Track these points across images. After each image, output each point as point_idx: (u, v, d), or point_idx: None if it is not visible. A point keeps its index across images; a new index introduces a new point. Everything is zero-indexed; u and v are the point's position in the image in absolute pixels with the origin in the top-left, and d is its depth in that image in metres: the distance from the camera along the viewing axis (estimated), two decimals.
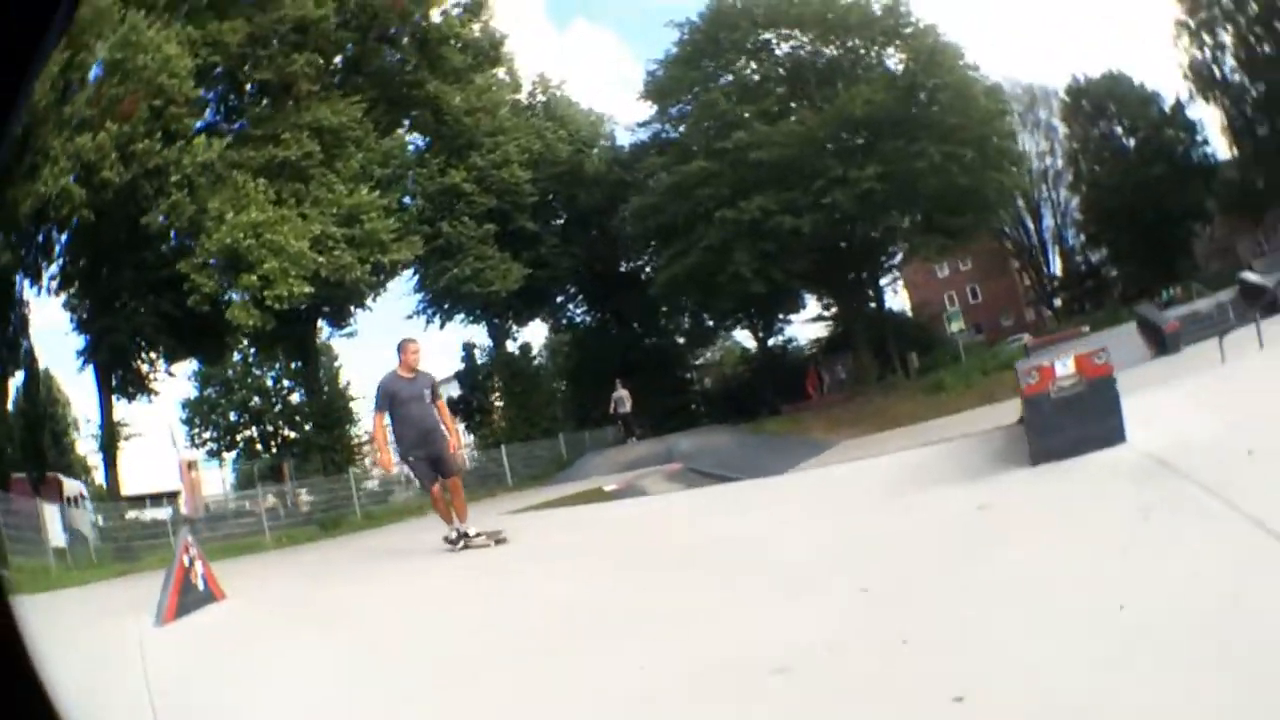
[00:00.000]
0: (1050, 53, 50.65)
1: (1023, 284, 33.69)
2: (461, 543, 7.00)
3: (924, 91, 18.91)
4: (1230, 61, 31.80)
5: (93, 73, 16.21)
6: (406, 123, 20.24)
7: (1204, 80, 31.78)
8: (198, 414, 20.47)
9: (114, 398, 18.34)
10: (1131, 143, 32.42)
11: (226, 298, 16.27)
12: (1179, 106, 32.20)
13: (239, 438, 21.01)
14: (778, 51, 21.22)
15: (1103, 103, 32.54)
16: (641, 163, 20.83)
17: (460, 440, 5.97)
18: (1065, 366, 4.73)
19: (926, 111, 18.91)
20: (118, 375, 18.29)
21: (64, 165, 15.15)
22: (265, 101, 18.16)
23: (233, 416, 20.95)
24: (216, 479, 20.93)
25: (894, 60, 20.42)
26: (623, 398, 19.22)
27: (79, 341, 17.79)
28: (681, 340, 25.42)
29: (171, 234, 17.05)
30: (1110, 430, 4.44)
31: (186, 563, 5.29)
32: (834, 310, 25.72)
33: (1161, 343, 16.85)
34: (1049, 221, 33.61)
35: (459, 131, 19.34)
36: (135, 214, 16.53)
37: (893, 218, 19.67)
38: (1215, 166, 31.81)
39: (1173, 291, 28.41)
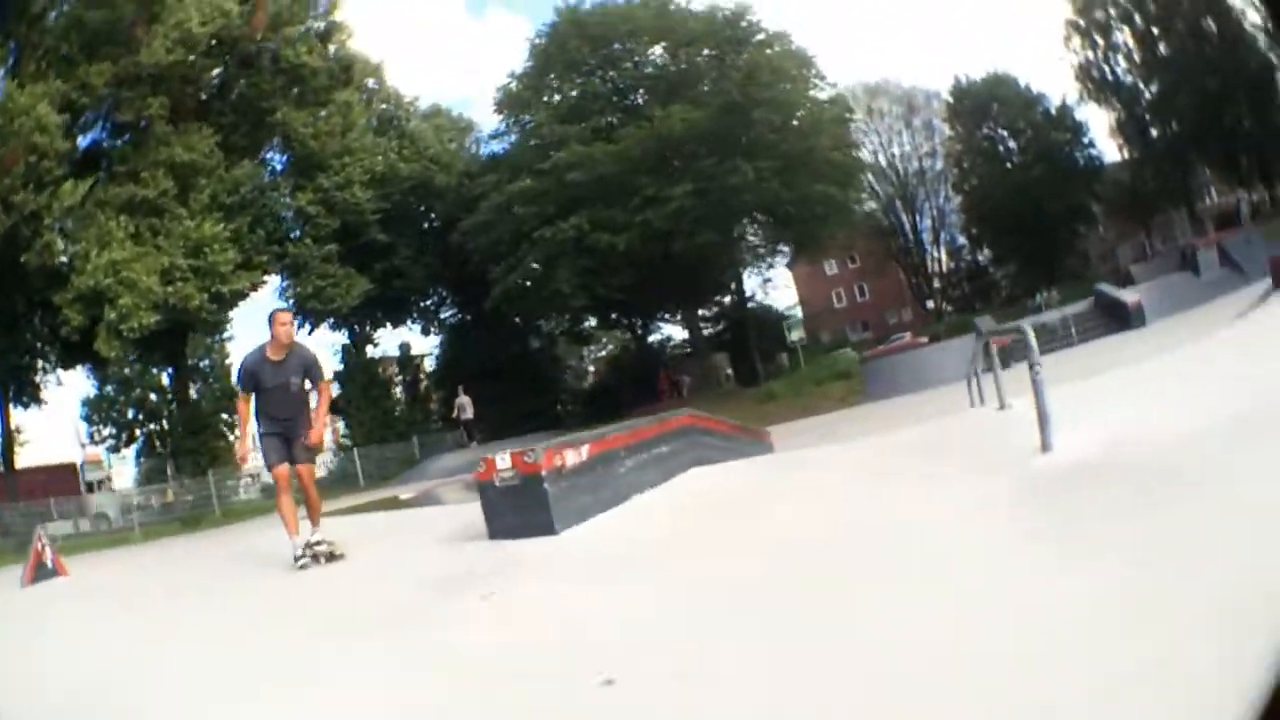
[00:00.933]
0: (936, 54, 50.84)
1: (908, 282, 35.01)
2: (305, 557, 5.84)
3: (744, 109, 20.43)
4: (1123, 63, 32.50)
5: None
6: (268, 147, 22.21)
7: (1094, 82, 32.77)
8: (97, 411, 23.24)
9: (11, 406, 21.16)
10: (1013, 144, 33.16)
11: (93, 326, 18.83)
12: (1065, 108, 33.60)
13: (137, 432, 23.75)
14: (615, 69, 22.60)
15: (986, 104, 33.42)
16: (482, 178, 22.80)
17: (321, 433, 5.94)
18: (504, 461, 5.32)
19: (743, 129, 20.43)
20: (14, 388, 21.11)
21: None
22: (127, 139, 20.37)
23: (130, 413, 23.74)
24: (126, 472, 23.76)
25: (734, 73, 21.57)
26: (464, 404, 21.64)
27: None
28: (556, 341, 27.47)
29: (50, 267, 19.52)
30: (543, 522, 4.99)
31: (40, 548, 8.22)
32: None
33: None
34: (927, 222, 34.50)
35: (307, 155, 21.50)
36: (14, 254, 19.06)
37: (708, 234, 21.29)
38: (1100, 169, 32.81)
39: (1045, 295, 29.58)
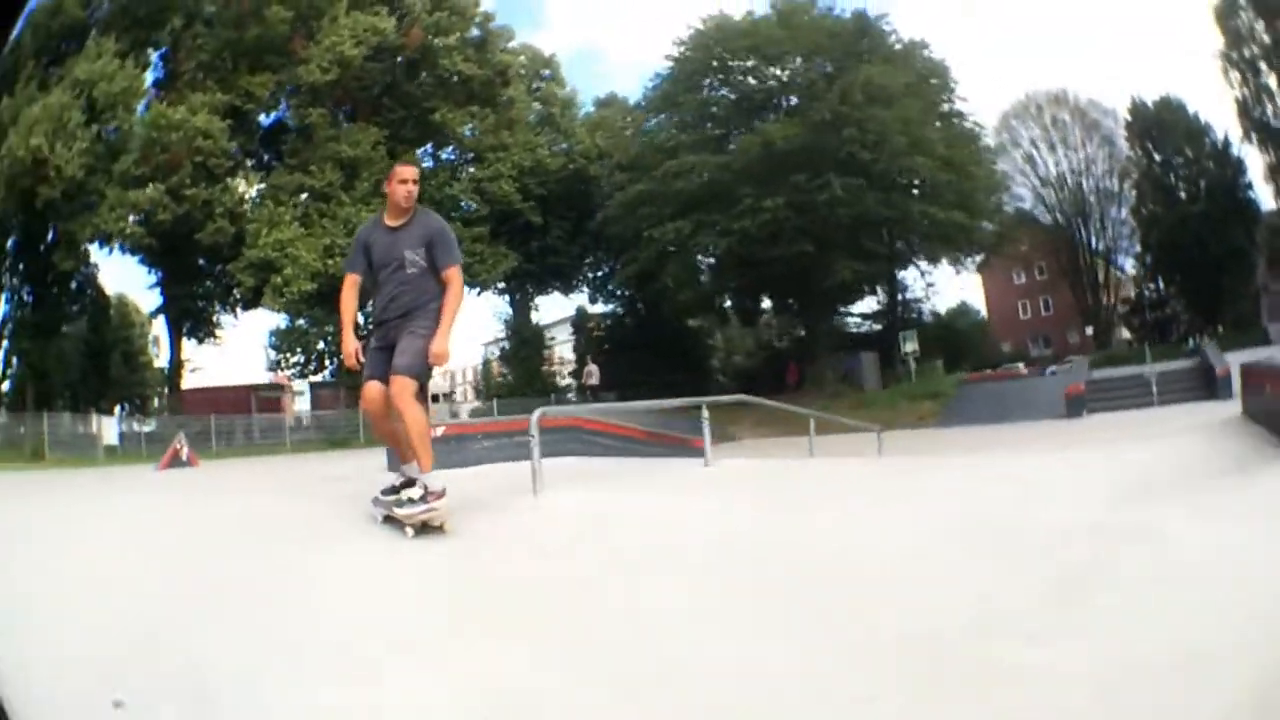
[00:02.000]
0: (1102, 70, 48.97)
1: (1078, 304, 34.86)
2: (392, 504, 4.57)
3: (834, 127, 22.55)
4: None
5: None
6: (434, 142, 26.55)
7: (1251, 121, 31.67)
8: (286, 341, 27.93)
9: (184, 339, 26.58)
10: (1182, 174, 32.49)
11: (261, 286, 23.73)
12: (1227, 144, 32.39)
13: (326, 361, 28.38)
14: (733, 85, 25.28)
15: (1158, 127, 32.84)
16: (619, 175, 26.02)
17: (445, 340, 4.61)
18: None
19: (836, 146, 22.56)
20: (188, 326, 26.49)
21: (120, 212, 22.94)
22: (296, 136, 25.28)
23: (320, 345, 28.29)
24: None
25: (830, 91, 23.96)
26: (592, 371, 25.22)
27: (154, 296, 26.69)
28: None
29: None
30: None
31: (178, 446, 12.32)
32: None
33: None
34: (1103, 244, 34.27)
35: (465, 150, 25.68)
36: (188, 231, 24.26)
37: (803, 244, 23.50)
38: (1258, 213, 31.48)
39: (1200, 340, 29.27)
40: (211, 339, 27.50)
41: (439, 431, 6.80)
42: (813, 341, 26.75)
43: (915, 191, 24.38)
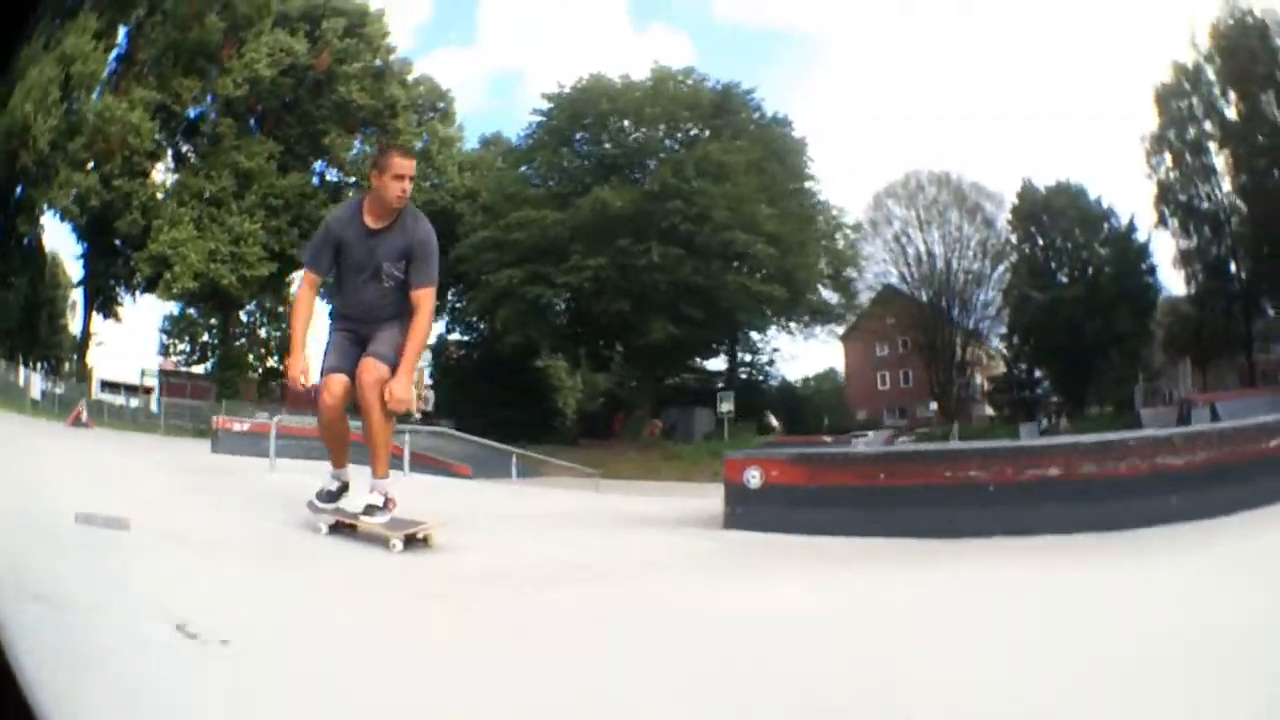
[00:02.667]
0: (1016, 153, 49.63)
1: (930, 378, 36.78)
2: (332, 512, 4.59)
3: (672, 200, 25.27)
4: (1224, 186, 32.61)
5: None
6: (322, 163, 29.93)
7: (1174, 205, 32.86)
8: (176, 327, 31.96)
9: (95, 313, 30.60)
10: (1066, 258, 34.11)
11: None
12: (1130, 229, 33.94)
13: (209, 354, 32.30)
14: (592, 145, 28.06)
15: (1044, 212, 34.27)
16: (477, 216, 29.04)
17: (411, 371, 4.36)
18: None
19: (666, 217, 25.31)
20: (99, 301, 30.49)
21: (66, 190, 26.89)
22: (205, 142, 28.84)
23: (205, 337, 32.30)
24: None
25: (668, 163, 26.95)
26: (426, 397, 28.50)
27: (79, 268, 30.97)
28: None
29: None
30: None
31: (80, 410, 17.68)
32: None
33: None
34: (969, 323, 36.14)
35: (347, 175, 29.00)
36: (112, 217, 28.06)
37: (621, 304, 26.31)
38: (1153, 299, 32.95)
39: (1049, 421, 31.41)
40: (114, 317, 31.19)
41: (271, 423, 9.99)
42: (637, 393, 29.48)
43: (736, 264, 26.58)
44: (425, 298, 4.40)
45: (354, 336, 4.50)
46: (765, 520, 5.06)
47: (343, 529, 4.52)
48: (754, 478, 5.52)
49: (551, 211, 26.94)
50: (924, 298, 35.30)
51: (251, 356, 31.88)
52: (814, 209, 29.42)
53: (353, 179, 30.25)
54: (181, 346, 31.72)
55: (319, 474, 5.05)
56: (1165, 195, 33.72)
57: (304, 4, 30.50)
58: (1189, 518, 4.90)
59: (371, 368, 4.29)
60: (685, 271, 25.76)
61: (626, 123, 28.23)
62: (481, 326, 31.74)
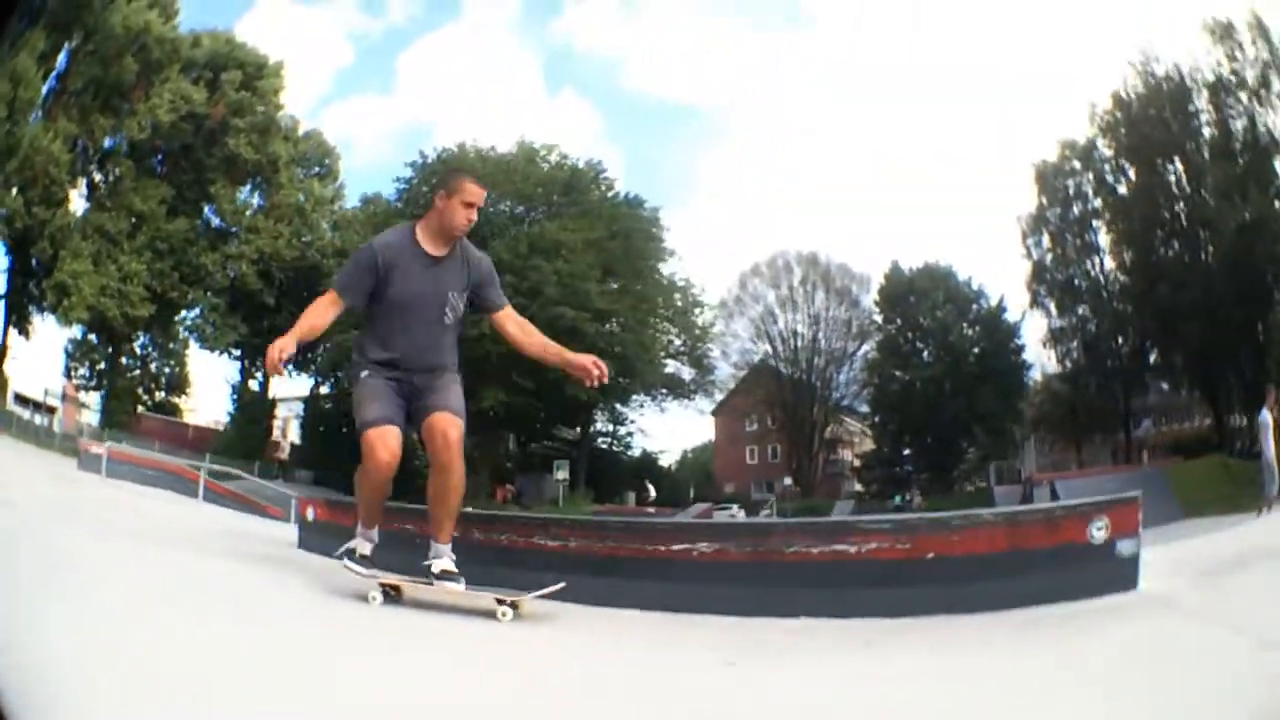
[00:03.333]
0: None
1: (788, 453, 38.99)
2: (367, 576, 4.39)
3: (506, 275, 28.08)
4: (1107, 263, 34.67)
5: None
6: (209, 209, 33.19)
7: (1049, 283, 34.93)
8: (79, 352, 35.37)
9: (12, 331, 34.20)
10: (930, 339, 36.50)
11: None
12: (999, 309, 36.21)
13: (104, 381, 35.76)
14: None
15: (913, 293, 36.59)
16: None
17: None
18: None
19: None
20: (15, 318, 34.05)
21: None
22: (110, 180, 32.20)
23: (102, 365, 35.79)
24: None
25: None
26: (282, 445, 31.67)
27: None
28: None
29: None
30: None
31: None
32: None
33: None
34: (834, 400, 38.48)
35: (228, 225, 32.22)
36: (28, 244, 31.51)
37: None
38: (1019, 378, 35.19)
39: (905, 497, 33.86)
40: (25, 334, 34.74)
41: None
42: (479, 458, 32.48)
43: (565, 338, 29.20)
44: (508, 317, 4.48)
45: (401, 386, 4.26)
46: (315, 544, 6.68)
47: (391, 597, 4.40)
48: (310, 513, 7.70)
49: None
50: (788, 375, 37.48)
51: (141, 389, 34.95)
52: (661, 287, 31.90)
53: (234, 228, 33.28)
54: (82, 370, 34.82)
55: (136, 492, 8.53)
56: (1040, 274, 35.73)
57: (210, 51, 33.66)
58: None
59: (455, 424, 4.15)
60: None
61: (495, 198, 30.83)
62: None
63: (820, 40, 44.72)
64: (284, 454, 32.57)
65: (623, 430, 36.43)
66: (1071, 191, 35.93)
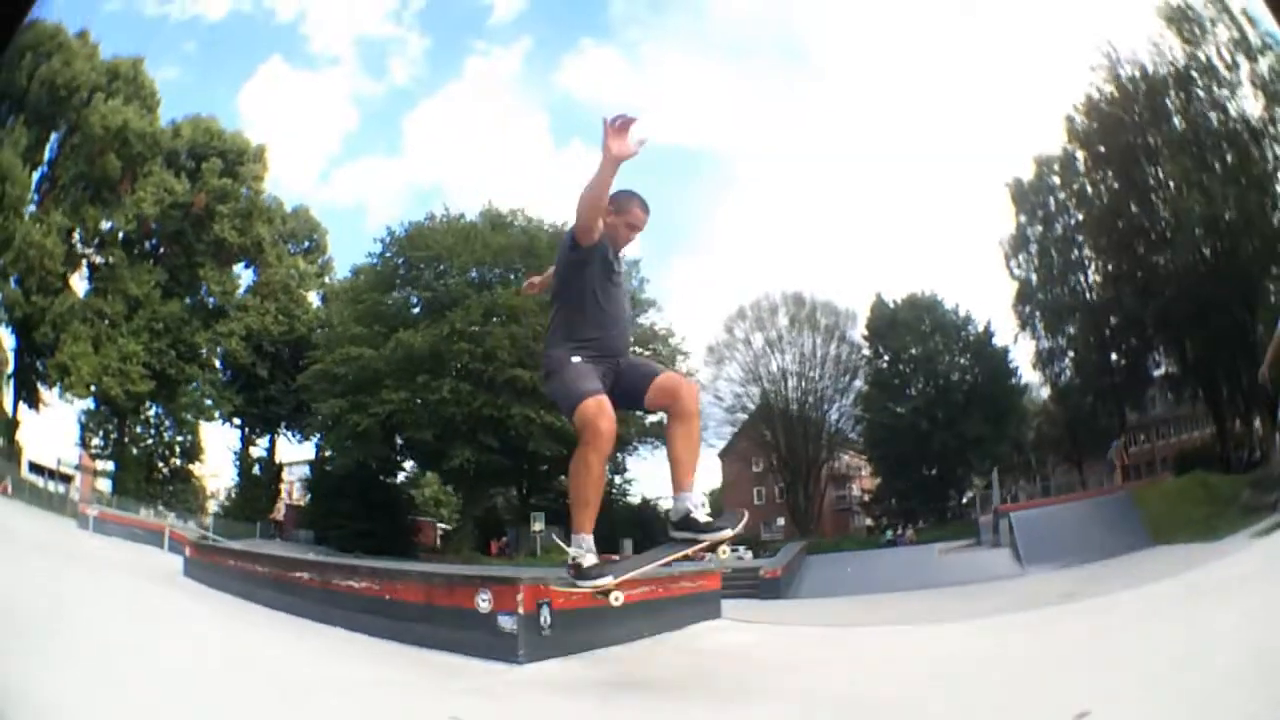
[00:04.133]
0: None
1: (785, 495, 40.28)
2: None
3: (460, 341, 30.68)
4: (1091, 278, 35.33)
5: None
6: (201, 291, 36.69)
7: (1037, 304, 35.79)
8: (92, 423, 39.23)
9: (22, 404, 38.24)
10: (919, 369, 37.59)
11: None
12: (986, 334, 37.23)
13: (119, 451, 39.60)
14: (414, 285, 33.69)
15: (894, 325, 37.54)
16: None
17: None
18: None
19: (456, 356, 30.74)
20: (24, 393, 38.04)
21: None
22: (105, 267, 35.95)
23: (114, 435, 39.61)
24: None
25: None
26: (281, 509, 34.77)
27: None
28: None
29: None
30: None
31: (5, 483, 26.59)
32: None
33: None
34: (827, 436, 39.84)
35: (220, 304, 35.63)
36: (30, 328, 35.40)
37: (425, 433, 31.81)
38: (1012, 402, 35.93)
39: (895, 532, 35.11)
40: (35, 408, 38.69)
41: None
42: (462, 513, 34.93)
43: (525, 398, 31.52)
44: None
45: (607, 365, 4.91)
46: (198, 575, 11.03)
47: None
48: (189, 551, 12.22)
49: (368, 349, 32.37)
50: (780, 414, 38.83)
51: (156, 457, 38.52)
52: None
53: (225, 307, 36.61)
54: (96, 440, 38.55)
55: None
56: (1025, 295, 36.48)
57: (190, 140, 37.27)
58: None
59: (685, 378, 5.03)
60: (478, 405, 30.76)
61: (442, 267, 33.28)
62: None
63: (800, 78, 45.93)
64: (279, 515, 35.59)
65: (619, 480, 38.23)
66: (1053, 207, 36.43)
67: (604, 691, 5.38)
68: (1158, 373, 34.06)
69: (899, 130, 48.18)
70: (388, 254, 35.87)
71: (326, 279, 39.08)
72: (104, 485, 39.99)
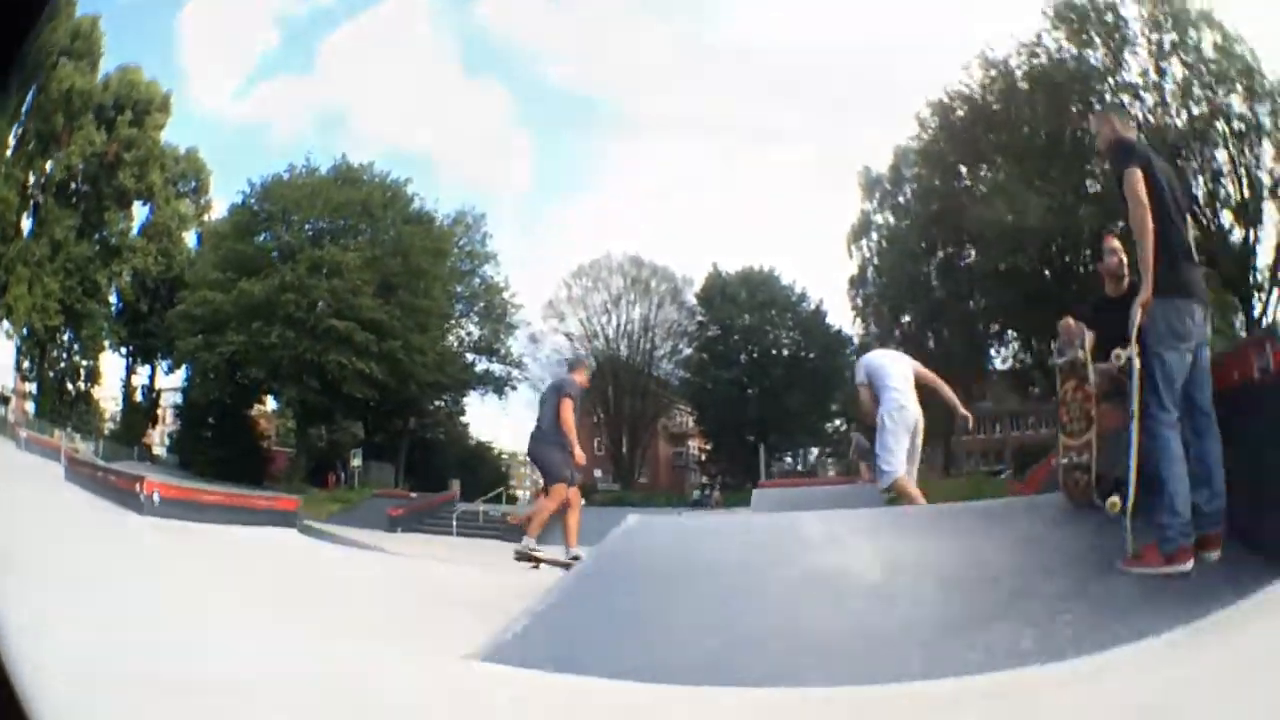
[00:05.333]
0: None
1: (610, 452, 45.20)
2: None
3: (286, 292, 37.06)
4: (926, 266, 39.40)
5: None
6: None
7: (875, 290, 40.16)
8: (24, 351, 47.77)
9: None
10: (751, 339, 42.04)
11: None
12: (820, 314, 41.56)
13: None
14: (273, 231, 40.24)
15: (734, 296, 42.03)
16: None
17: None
18: None
19: (284, 305, 37.14)
20: None
21: None
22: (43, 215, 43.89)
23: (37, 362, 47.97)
24: None
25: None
26: (151, 435, 42.16)
27: None
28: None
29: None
30: None
31: None
32: None
33: None
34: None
35: (117, 244, 43.03)
36: None
37: (259, 370, 38.35)
38: (833, 378, 40.36)
39: (705, 492, 40.33)
40: None
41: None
42: (299, 447, 41.44)
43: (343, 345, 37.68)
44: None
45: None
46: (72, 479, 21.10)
47: None
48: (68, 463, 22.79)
49: (220, 294, 38.95)
50: (611, 372, 43.81)
51: (67, 381, 46.55)
52: (443, 297, 39.31)
53: (120, 247, 43.97)
54: (27, 364, 46.93)
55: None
56: (862, 280, 40.28)
57: (115, 92, 45.01)
58: None
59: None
60: (301, 349, 37.01)
61: (292, 219, 39.45)
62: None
63: (690, 44, 49.82)
64: (152, 440, 42.87)
65: (458, 423, 44.09)
66: (901, 199, 39.81)
67: (180, 533, 14.95)
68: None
69: (759, 107, 51.72)
70: (250, 202, 42.33)
71: (205, 218, 46.26)
72: (30, 407, 48.49)
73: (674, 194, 53.82)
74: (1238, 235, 31.89)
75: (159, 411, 49.17)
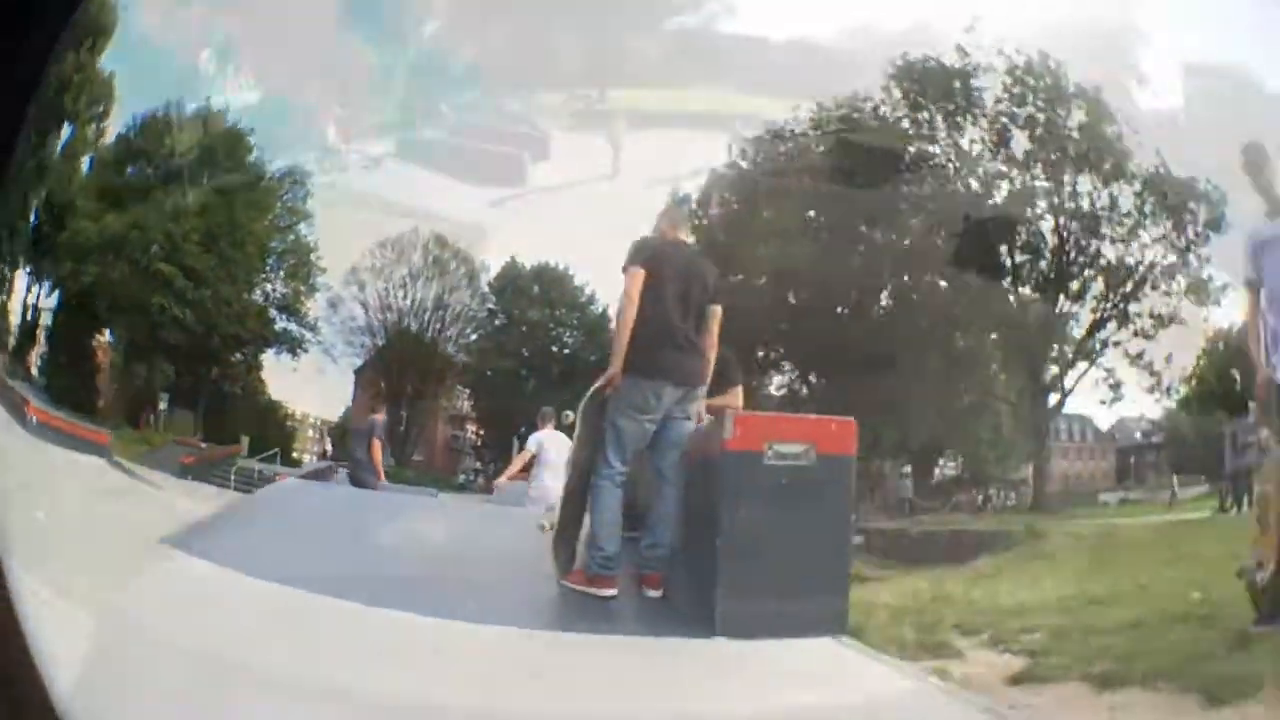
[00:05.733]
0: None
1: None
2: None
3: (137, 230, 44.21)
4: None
5: None
6: None
7: None
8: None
9: None
10: (536, 334, 45.62)
11: None
12: (605, 318, 43.12)
13: None
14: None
15: (524, 289, 45.38)
16: None
17: None
18: None
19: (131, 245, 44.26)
20: None
21: None
22: None
23: None
24: None
25: None
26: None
27: None
28: None
29: None
30: None
31: None
32: None
33: None
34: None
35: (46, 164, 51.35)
36: None
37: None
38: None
39: (471, 476, 44.96)
40: None
41: None
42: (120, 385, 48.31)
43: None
44: None
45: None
46: None
47: None
48: None
49: (88, 223, 45.30)
50: (395, 346, 46.52)
51: None
52: (248, 252, 44.73)
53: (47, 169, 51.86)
54: None
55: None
56: None
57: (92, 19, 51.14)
58: None
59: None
60: (133, 289, 43.48)
61: (162, 153, 45.08)
62: None
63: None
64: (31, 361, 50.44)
65: (257, 379, 48.82)
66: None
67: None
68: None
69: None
70: (130, 134, 47.45)
71: (100, 143, 52.21)
72: None
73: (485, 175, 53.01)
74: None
75: (37, 332, 55.39)
